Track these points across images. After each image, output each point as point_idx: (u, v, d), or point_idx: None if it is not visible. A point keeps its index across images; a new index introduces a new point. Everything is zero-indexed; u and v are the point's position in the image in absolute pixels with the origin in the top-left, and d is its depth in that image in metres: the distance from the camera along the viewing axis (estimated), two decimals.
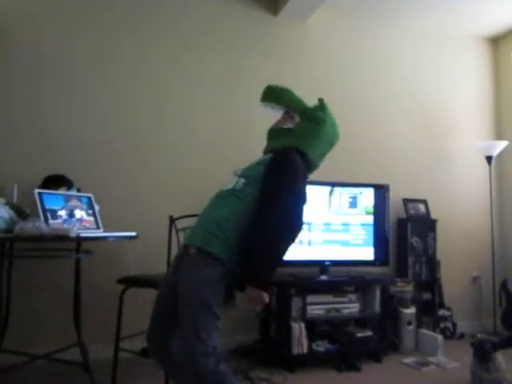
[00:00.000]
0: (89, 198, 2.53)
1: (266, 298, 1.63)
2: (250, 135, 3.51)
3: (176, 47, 3.43)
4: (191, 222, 2.93)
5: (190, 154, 3.40)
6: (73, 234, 2.11)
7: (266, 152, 2.01)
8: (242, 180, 1.79)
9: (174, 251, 2.93)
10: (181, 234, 2.96)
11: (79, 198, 2.49)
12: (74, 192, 2.64)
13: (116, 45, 3.28)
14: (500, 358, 2.52)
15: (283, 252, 1.71)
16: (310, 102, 1.98)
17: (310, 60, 3.79)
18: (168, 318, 1.72)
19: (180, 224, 2.99)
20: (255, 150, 3.42)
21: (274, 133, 2.04)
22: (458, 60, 4.35)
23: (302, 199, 1.77)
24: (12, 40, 3.04)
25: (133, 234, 2.48)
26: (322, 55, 3.85)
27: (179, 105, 3.41)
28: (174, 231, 2.98)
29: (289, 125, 1.99)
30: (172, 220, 2.99)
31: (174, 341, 1.76)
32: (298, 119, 1.97)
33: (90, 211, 2.48)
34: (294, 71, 3.68)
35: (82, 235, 2.21)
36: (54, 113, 3.12)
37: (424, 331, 3.50)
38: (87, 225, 2.41)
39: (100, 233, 2.45)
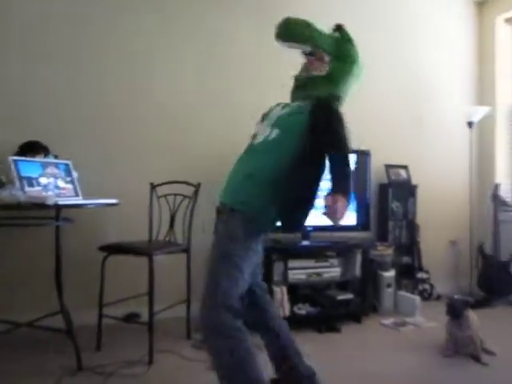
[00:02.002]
0: (66, 165, 2.47)
1: (346, 207, 1.68)
2: (231, 100, 3.46)
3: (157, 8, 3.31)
4: (172, 188, 2.94)
5: (171, 120, 3.33)
6: (50, 202, 2.07)
7: (295, 100, 1.92)
8: (276, 130, 1.76)
9: (156, 218, 2.94)
10: (162, 201, 2.95)
11: (57, 165, 2.43)
12: (51, 159, 2.58)
13: (89, 10, 3.14)
14: (472, 315, 2.62)
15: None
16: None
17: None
18: None
19: (161, 191, 2.97)
20: (237, 115, 3.40)
21: (307, 82, 1.89)
22: (442, 23, 4.29)
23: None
24: None
25: (113, 201, 2.45)
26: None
27: (160, 68, 3.31)
28: (155, 198, 2.96)
29: (321, 70, 1.84)
30: (153, 187, 2.96)
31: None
32: (327, 59, 1.84)
33: (68, 178, 2.43)
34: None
35: (61, 203, 2.18)
36: (28, 79, 3.00)
37: (402, 293, 3.60)
38: (66, 192, 2.37)
39: (79, 200, 2.41)
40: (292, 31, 1.81)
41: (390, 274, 3.56)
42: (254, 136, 1.87)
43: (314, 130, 1.73)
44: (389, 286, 3.53)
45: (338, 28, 1.91)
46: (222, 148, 3.23)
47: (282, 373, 1.96)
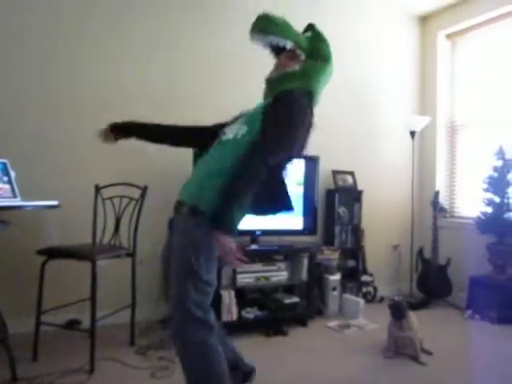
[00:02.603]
0: (4, 164, 2.34)
1: (229, 242, 1.53)
2: (172, 97, 3.39)
3: None
4: (118, 190, 2.86)
5: (114, 118, 3.22)
6: None
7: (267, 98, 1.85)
8: (245, 128, 1.69)
9: (100, 221, 2.84)
10: (107, 203, 2.86)
11: None
12: None
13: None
14: (413, 317, 2.74)
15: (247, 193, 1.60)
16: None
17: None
18: None
19: (106, 193, 2.88)
20: (179, 111, 3.34)
21: (280, 80, 1.80)
22: (387, 36, 4.45)
23: (294, 146, 1.67)
24: None
25: (54, 202, 2.34)
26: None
27: (100, 66, 3.19)
28: (100, 200, 2.87)
29: (295, 66, 1.79)
30: (98, 188, 2.87)
31: None
32: (303, 57, 1.80)
33: (6, 178, 2.30)
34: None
35: None
36: None
37: (347, 296, 3.69)
38: (2, 193, 2.24)
39: (17, 202, 2.28)
40: (275, 25, 1.74)
41: (336, 277, 3.64)
42: (223, 133, 1.79)
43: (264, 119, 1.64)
44: (334, 289, 3.61)
45: (310, 27, 1.90)
46: (170, 151, 3.18)
47: None
